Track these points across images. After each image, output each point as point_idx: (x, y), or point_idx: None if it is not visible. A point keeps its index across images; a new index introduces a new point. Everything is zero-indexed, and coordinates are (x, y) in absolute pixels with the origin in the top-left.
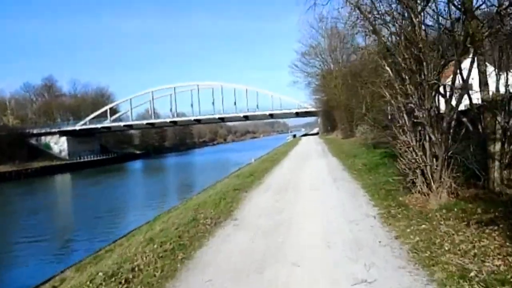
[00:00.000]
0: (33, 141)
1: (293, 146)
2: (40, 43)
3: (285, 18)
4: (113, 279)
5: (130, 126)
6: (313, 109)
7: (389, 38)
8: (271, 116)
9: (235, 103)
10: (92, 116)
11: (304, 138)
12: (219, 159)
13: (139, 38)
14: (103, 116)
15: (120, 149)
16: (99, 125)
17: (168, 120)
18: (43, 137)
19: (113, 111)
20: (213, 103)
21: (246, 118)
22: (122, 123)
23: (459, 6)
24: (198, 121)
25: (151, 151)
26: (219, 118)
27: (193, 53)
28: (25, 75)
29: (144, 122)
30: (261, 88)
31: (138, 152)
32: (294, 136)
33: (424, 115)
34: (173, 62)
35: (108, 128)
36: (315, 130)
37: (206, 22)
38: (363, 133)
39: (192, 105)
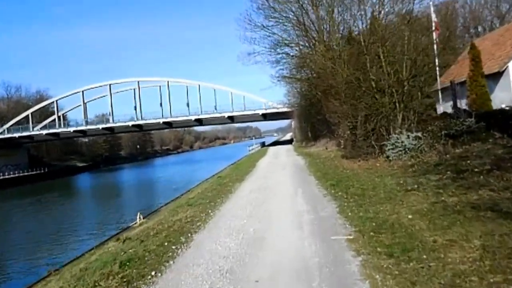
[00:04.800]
0: None
1: (241, 180)
2: None
3: None
4: None
5: (56, 135)
6: (285, 109)
7: None
8: (231, 119)
9: (187, 104)
10: (11, 123)
11: (272, 149)
12: (169, 176)
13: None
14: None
15: (62, 161)
16: (16, 134)
17: (100, 127)
18: None
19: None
20: (160, 104)
21: (199, 122)
22: (44, 131)
23: None
24: (138, 127)
25: (100, 162)
26: (165, 123)
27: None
28: None
29: (71, 129)
30: (218, 84)
31: (81, 164)
32: (263, 144)
33: None
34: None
35: (31, 137)
36: (288, 136)
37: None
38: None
39: (135, 108)
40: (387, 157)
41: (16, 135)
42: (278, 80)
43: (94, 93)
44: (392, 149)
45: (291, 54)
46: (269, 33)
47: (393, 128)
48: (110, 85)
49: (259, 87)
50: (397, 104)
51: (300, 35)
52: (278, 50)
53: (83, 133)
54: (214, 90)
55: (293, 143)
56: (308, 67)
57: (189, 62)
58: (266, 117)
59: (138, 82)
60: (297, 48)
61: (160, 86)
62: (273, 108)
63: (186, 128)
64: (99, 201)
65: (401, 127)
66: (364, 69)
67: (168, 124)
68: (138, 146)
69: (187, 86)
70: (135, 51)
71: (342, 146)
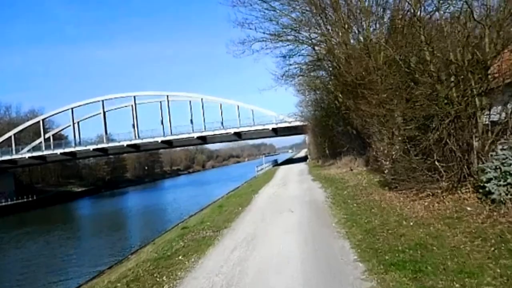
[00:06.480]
0: None
1: (208, 246)
2: None
3: None
4: None
5: (42, 158)
6: (298, 123)
7: None
8: (238, 136)
9: (191, 120)
10: None
11: (284, 169)
12: (168, 203)
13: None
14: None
15: (59, 186)
16: None
17: (91, 148)
18: None
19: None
20: (161, 121)
21: (202, 139)
22: (27, 155)
23: None
24: (135, 147)
25: (102, 186)
26: (164, 142)
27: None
28: None
29: (58, 152)
30: (223, 98)
31: (79, 189)
32: (276, 162)
33: None
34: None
35: (14, 161)
36: (303, 153)
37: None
38: None
39: (134, 126)
40: (487, 194)
41: None
42: (286, 80)
43: (89, 111)
44: (498, 179)
45: (301, 40)
46: (269, 9)
47: (475, 139)
48: (103, 101)
49: (270, 102)
50: (476, 99)
51: (312, 13)
52: (283, 37)
53: (73, 155)
54: (220, 104)
55: (307, 160)
56: (323, 60)
57: (191, 78)
58: (277, 132)
59: (134, 97)
60: (307, 34)
61: (160, 102)
62: (285, 122)
63: (198, 147)
64: (60, 245)
65: (484, 136)
66: (416, 46)
67: (168, 143)
68: (146, 167)
69: (190, 101)
70: (144, 70)
71: (385, 170)
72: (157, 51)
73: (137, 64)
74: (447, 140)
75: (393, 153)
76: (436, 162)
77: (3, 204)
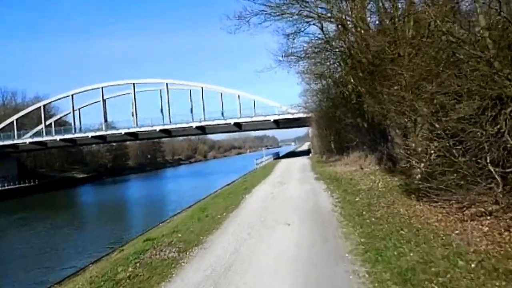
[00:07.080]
0: None
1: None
2: None
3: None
4: None
5: (43, 144)
6: (301, 114)
7: None
8: (238, 126)
9: (191, 110)
10: None
11: (284, 163)
12: (166, 193)
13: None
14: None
15: (63, 172)
16: None
17: (89, 135)
18: None
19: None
20: (161, 110)
21: (201, 130)
22: (28, 140)
23: None
24: (133, 135)
25: (104, 173)
26: (162, 131)
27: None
28: None
29: (58, 138)
30: (223, 87)
31: (81, 175)
32: (277, 155)
33: None
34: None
35: (15, 146)
36: (305, 146)
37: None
38: None
39: (133, 114)
40: None
41: None
42: (289, 62)
43: (92, 97)
44: None
45: (306, 14)
46: None
47: None
48: (102, 88)
49: (273, 92)
50: None
51: None
52: (286, 9)
53: (73, 142)
54: (221, 94)
55: (310, 154)
56: (333, 40)
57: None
58: (279, 124)
59: (134, 84)
60: (313, 7)
61: (160, 90)
62: (287, 113)
63: (200, 137)
64: (52, 235)
65: None
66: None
67: (167, 132)
68: (148, 156)
69: (190, 90)
70: (145, 59)
71: (417, 175)
72: (158, 40)
73: (137, 52)
74: (508, 135)
75: (432, 151)
76: (490, 166)
77: (6, 188)
